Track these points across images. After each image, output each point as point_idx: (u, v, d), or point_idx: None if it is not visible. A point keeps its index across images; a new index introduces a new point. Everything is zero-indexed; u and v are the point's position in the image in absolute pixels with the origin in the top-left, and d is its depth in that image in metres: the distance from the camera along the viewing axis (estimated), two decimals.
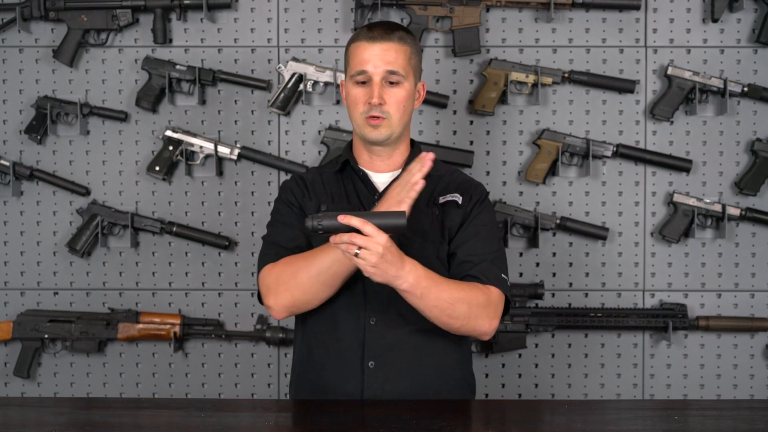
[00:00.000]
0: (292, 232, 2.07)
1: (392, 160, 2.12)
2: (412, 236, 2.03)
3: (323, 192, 2.12)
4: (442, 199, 2.09)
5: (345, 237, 1.79)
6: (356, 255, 1.80)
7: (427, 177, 2.11)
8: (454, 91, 2.98)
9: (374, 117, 2.02)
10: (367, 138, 2.05)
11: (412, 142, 2.17)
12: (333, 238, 1.81)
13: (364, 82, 2.03)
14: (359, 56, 2.03)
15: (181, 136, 2.94)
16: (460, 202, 2.09)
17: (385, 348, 2.01)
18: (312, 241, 2.06)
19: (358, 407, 1.93)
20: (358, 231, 1.79)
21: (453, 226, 2.07)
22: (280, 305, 2.00)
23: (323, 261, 1.94)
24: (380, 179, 2.11)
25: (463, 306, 1.94)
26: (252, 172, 2.99)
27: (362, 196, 2.10)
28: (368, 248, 1.79)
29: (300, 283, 1.97)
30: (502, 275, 2.04)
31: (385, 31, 2.04)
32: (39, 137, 2.96)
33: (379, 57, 2.02)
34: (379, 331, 2.01)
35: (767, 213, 2.95)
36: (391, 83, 2.03)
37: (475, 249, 2.04)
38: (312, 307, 2.02)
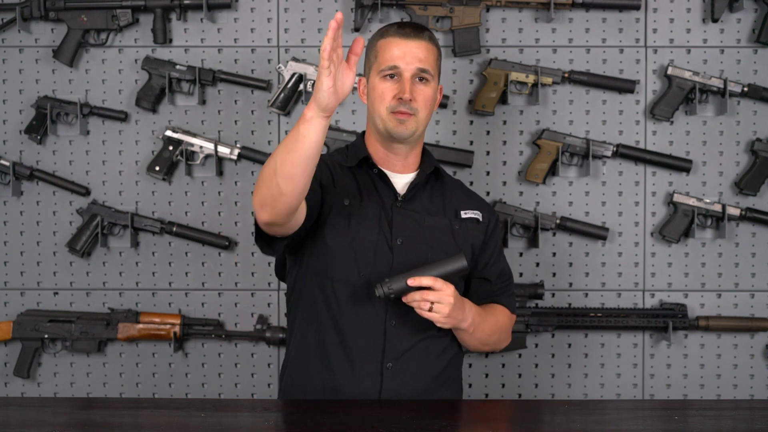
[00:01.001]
0: None
1: (408, 161, 2.11)
2: (433, 244, 2.05)
3: (343, 185, 2.07)
4: (464, 214, 2.12)
5: (417, 296, 1.92)
6: (430, 310, 1.92)
7: (440, 183, 2.13)
8: (454, 91, 2.98)
9: (402, 112, 2.01)
10: (393, 133, 2.03)
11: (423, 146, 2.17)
12: (405, 299, 1.93)
13: (392, 77, 2.02)
14: (390, 52, 2.03)
15: (181, 136, 2.94)
16: (480, 219, 2.14)
17: (403, 350, 2.02)
18: (327, 236, 2.03)
19: (358, 407, 1.93)
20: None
21: (475, 242, 2.12)
22: (256, 203, 1.87)
23: (279, 151, 1.80)
24: (400, 181, 2.10)
25: (495, 336, 2.13)
26: (252, 172, 2.99)
27: (384, 198, 2.07)
28: (441, 302, 1.92)
29: (264, 179, 1.83)
30: (515, 299, 2.23)
31: (416, 29, 2.06)
32: (39, 137, 2.96)
33: (412, 54, 2.02)
34: (398, 333, 2.02)
35: (767, 213, 2.95)
36: (420, 80, 2.03)
37: (503, 276, 2.18)
38: (284, 207, 1.84)
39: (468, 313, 2.00)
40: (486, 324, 2.07)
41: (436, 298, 1.91)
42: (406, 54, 2.02)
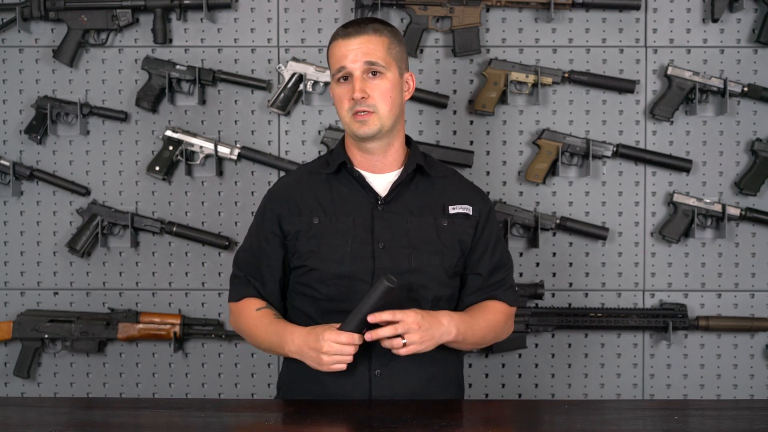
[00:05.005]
0: (258, 263, 2.10)
1: (388, 159, 2.07)
2: (417, 246, 2.03)
3: (312, 198, 2.07)
4: (452, 210, 2.07)
5: (387, 332, 1.88)
6: (404, 345, 1.89)
7: (428, 179, 2.10)
8: (454, 91, 2.98)
9: (360, 112, 1.99)
10: (357, 134, 2.01)
11: (409, 141, 2.14)
12: (382, 341, 1.90)
13: (345, 79, 2.01)
14: (336, 54, 2.02)
15: (181, 136, 2.94)
16: (470, 213, 2.09)
17: (391, 356, 1.99)
18: (293, 258, 2.08)
19: (359, 407, 1.93)
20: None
21: (465, 238, 2.07)
22: (238, 333, 2.22)
23: (262, 343, 2.08)
24: (380, 182, 2.07)
25: (491, 334, 2.10)
26: (252, 172, 2.99)
27: (361, 203, 2.05)
28: (407, 331, 1.88)
29: (248, 339, 2.14)
30: (515, 289, 2.17)
31: (358, 25, 2.03)
32: (39, 137, 2.96)
33: (356, 50, 1.99)
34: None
35: (767, 213, 2.95)
36: (373, 74, 2.00)
37: (499, 269, 2.13)
38: None
39: (449, 326, 1.95)
40: (475, 330, 2.03)
41: (401, 331, 1.87)
42: (350, 52, 2.00)
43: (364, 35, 2.00)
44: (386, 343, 1.90)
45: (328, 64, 2.09)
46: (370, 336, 1.88)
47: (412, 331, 1.88)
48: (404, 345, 1.89)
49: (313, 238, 2.04)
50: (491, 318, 2.08)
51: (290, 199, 2.08)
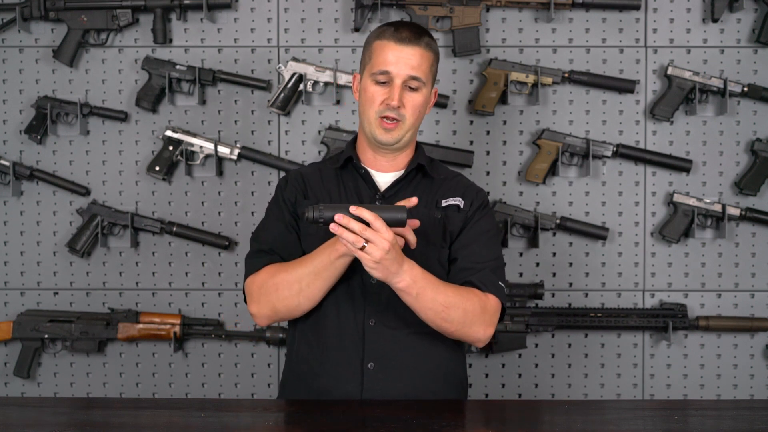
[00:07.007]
0: (281, 235, 2.08)
1: (397, 161, 2.11)
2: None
3: (321, 189, 2.11)
4: (444, 203, 2.09)
5: (356, 227, 1.78)
6: (362, 248, 1.80)
7: (429, 179, 2.12)
8: (454, 91, 2.98)
9: (389, 119, 2.02)
10: (377, 139, 2.04)
11: (416, 144, 2.17)
12: (338, 230, 1.79)
13: (384, 82, 2.03)
14: (383, 55, 2.02)
15: (181, 136, 2.94)
16: (462, 206, 2.10)
17: (384, 349, 2.01)
18: (302, 242, 2.06)
19: (358, 407, 1.93)
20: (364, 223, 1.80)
21: (454, 230, 2.08)
22: (262, 314, 2.03)
23: (304, 276, 1.96)
24: (383, 179, 2.11)
25: (458, 311, 1.95)
26: (252, 172, 2.99)
27: (363, 195, 2.09)
28: (375, 243, 1.79)
29: (281, 296, 1.99)
30: (500, 283, 2.05)
31: (413, 34, 2.03)
32: (39, 137, 2.96)
33: (405, 60, 2.01)
34: (378, 332, 2.01)
35: (767, 213, 2.95)
36: (411, 88, 2.03)
37: (476, 256, 2.05)
38: (295, 317, 2.04)
39: (405, 272, 1.86)
40: (437, 293, 1.91)
41: (372, 237, 1.78)
42: (400, 60, 2.01)
43: (418, 47, 2.02)
44: (349, 237, 1.79)
45: (365, 54, 2.07)
46: (339, 220, 1.78)
47: (379, 247, 1.80)
48: (362, 249, 1.80)
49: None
50: (462, 294, 1.96)
51: (302, 184, 2.12)
